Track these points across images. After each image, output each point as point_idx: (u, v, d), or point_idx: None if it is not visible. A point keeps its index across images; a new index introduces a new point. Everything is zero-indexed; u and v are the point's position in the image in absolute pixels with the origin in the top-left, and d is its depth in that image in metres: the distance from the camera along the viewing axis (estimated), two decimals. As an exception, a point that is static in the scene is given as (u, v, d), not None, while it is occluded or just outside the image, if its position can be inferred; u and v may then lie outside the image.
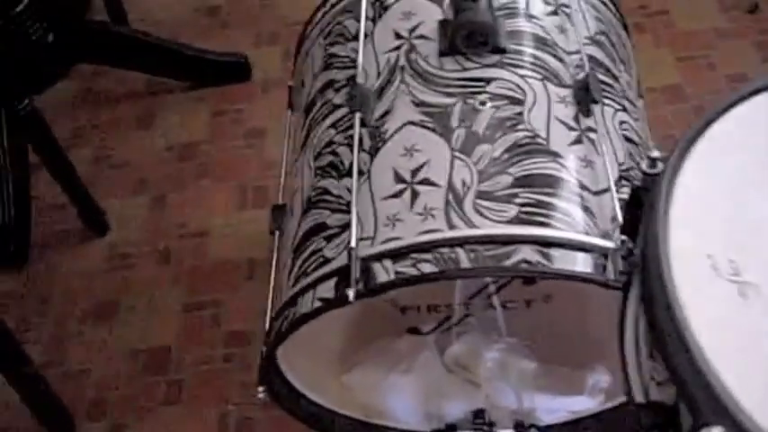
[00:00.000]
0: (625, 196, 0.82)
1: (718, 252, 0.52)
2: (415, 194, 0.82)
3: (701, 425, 0.45)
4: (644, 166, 0.59)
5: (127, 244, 1.47)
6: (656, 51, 1.64)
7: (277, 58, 1.72)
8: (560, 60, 0.92)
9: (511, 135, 0.85)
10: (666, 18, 1.71)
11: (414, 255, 0.78)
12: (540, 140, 0.85)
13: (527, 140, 0.84)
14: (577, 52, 0.93)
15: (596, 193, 0.83)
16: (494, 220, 0.79)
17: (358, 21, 0.99)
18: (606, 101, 0.91)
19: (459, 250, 0.77)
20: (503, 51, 0.91)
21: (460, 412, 1.04)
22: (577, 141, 0.86)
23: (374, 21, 0.99)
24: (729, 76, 1.58)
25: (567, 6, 0.98)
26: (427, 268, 0.77)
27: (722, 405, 0.45)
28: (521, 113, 0.86)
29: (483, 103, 0.87)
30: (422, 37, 0.94)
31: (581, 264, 0.78)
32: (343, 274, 0.79)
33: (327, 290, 0.81)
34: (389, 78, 0.92)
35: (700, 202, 0.56)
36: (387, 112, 0.89)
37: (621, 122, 0.92)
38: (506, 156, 0.83)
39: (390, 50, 0.94)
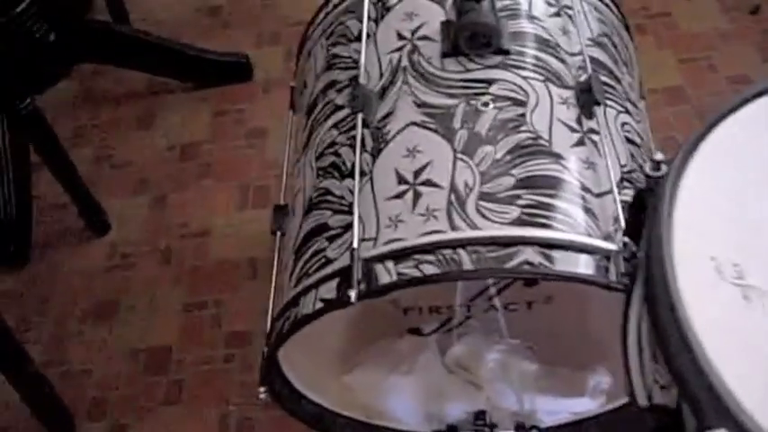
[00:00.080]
0: (627, 198, 0.82)
1: (721, 254, 0.53)
2: (417, 195, 0.82)
3: (704, 427, 0.46)
4: (647, 168, 0.59)
5: (127, 244, 1.47)
6: (657, 53, 1.64)
7: (278, 58, 1.72)
8: (563, 62, 0.92)
9: (513, 136, 0.85)
10: (668, 20, 1.71)
11: (416, 256, 0.78)
12: (542, 142, 0.84)
13: (529, 142, 0.84)
14: (580, 54, 0.93)
15: (598, 195, 0.83)
16: (496, 222, 0.78)
17: (360, 21, 0.98)
18: (608, 102, 0.91)
19: (462, 252, 0.77)
20: (505, 53, 0.91)
21: (461, 413, 1.04)
22: (580, 143, 0.86)
23: (376, 21, 0.98)
24: (731, 77, 1.58)
25: (569, 8, 0.98)
26: (429, 269, 0.77)
27: (724, 405, 0.46)
28: (523, 115, 0.86)
29: (485, 105, 0.87)
30: (424, 38, 0.94)
31: (583, 265, 0.77)
32: (345, 275, 0.79)
33: (329, 290, 0.81)
34: (392, 79, 0.92)
35: (703, 205, 0.56)
36: (389, 113, 0.89)
37: (623, 124, 0.92)
38: (509, 157, 0.83)
39: (393, 51, 0.94)
